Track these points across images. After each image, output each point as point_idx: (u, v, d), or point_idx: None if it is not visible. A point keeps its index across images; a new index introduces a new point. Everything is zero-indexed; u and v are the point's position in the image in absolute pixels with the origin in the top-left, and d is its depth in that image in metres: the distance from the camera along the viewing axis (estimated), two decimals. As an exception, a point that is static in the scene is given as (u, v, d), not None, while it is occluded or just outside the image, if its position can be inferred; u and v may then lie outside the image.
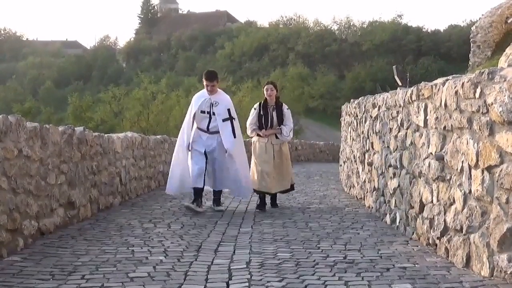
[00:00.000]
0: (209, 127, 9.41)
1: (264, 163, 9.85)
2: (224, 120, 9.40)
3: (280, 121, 9.85)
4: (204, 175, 9.39)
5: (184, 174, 9.57)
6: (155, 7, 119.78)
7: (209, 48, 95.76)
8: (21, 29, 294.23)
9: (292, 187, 10.33)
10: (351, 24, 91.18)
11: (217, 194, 9.79)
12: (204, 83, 9.50)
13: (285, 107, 10.02)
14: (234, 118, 9.53)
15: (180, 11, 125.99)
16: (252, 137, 10.15)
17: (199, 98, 9.58)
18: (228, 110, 9.49)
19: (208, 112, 9.40)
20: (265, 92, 9.98)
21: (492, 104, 4.50)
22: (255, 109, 10.03)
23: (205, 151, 9.39)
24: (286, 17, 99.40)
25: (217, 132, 9.39)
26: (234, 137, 9.47)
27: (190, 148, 9.49)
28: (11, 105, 56.21)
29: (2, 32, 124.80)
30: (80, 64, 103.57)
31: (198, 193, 9.33)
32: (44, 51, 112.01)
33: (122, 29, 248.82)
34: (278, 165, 9.94)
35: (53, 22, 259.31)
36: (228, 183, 9.73)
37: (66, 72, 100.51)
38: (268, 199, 10.02)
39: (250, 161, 10.08)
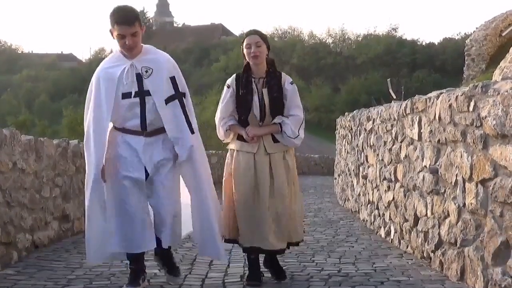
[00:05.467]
0: (146, 123, 5.09)
1: (252, 191, 5.42)
2: (168, 101, 5.14)
3: (279, 108, 5.50)
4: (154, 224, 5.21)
5: (105, 234, 5.18)
6: (150, 20, 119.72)
7: (204, 61, 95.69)
8: (17, 41, 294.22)
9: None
10: (346, 37, 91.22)
11: (166, 256, 5.44)
12: (116, 32, 5.00)
13: (286, 80, 5.59)
14: (184, 94, 5.31)
15: (175, 24, 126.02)
16: (225, 142, 5.73)
17: (112, 69, 5.14)
18: (172, 79, 5.21)
19: (137, 93, 5.06)
20: (245, 51, 5.51)
21: (485, 117, 4.52)
22: (228, 86, 5.59)
23: (146, 175, 5.09)
24: (280, 30, 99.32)
25: (161, 130, 5.11)
26: (192, 132, 5.20)
27: (108, 177, 5.10)
28: (6, 118, 56.12)
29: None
30: (75, 77, 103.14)
31: (138, 261, 5.22)
32: (39, 64, 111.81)
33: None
34: (279, 195, 5.45)
35: (48, 35, 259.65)
36: (194, 229, 5.40)
37: (61, 85, 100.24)
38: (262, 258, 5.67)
39: (222, 188, 5.62)
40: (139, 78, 5.11)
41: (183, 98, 5.30)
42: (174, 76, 5.26)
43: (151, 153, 5.14)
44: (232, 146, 5.65)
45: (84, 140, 5.23)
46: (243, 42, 5.57)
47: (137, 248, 5.12)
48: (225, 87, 5.66)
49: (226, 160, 5.74)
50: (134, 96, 5.09)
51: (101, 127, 5.11)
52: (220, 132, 5.66)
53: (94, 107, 5.14)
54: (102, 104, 5.09)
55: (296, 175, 5.71)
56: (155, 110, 5.10)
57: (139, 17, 5.16)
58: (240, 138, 5.58)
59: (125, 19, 5.00)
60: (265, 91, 5.55)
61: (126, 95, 5.10)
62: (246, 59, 5.58)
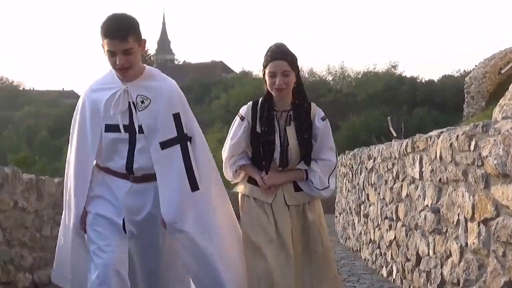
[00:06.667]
0: (133, 166, 4.04)
1: (270, 252, 4.25)
2: (165, 145, 4.04)
3: (307, 152, 4.45)
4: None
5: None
6: (151, 58, 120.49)
7: (204, 98, 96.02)
8: (18, 78, 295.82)
9: None
10: (346, 74, 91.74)
11: None
12: (106, 47, 3.93)
13: (317, 114, 4.48)
14: (191, 138, 4.16)
15: (176, 62, 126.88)
16: (234, 182, 4.70)
17: (100, 93, 4.11)
18: (176, 117, 4.10)
19: (127, 127, 4.04)
20: (267, 79, 4.35)
21: (487, 156, 4.52)
22: (242, 118, 4.47)
23: (123, 226, 4.05)
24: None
25: (152, 177, 4.05)
26: (194, 187, 4.06)
27: (86, 224, 4.10)
28: (6, 155, 56.14)
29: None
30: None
31: None
32: (41, 101, 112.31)
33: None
34: (306, 262, 4.40)
35: (50, 72, 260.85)
36: None
37: (62, 122, 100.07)
38: None
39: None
40: (132, 108, 4.04)
41: (188, 143, 4.11)
42: (178, 113, 4.09)
43: (136, 206, 4.04)
44: (241, 189, 4.56)
45: (65, 179, 4.28)
46: (265, 67, 4.37)
47: None
48: (237, 119, 4.50)
49: (240, 204, 4.59)
50: (124, 129, 4.03)
51: (84, 166, 4.11)
52: (228, 173, 4.58)
53: (77, 139, 4.13)
54: (87, 136, 4.07)
55: (328, 238, 4.56)
56: (146, 152, 4.02)
57: (136, 30, 3.96)
58: (252, 180, 4.51)
59: (116, 31, 3.86)
60: (290, 130, 4.39)
61: (111, 128, 4.03)
62: (267, 86, 4.40)
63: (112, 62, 3.95)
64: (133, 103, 4.03)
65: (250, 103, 4.56)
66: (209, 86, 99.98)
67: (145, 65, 4.15)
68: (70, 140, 4.26)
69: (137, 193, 4.05)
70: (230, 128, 4.58)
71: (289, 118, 4.41)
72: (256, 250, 4.27)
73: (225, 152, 4.55)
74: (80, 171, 4.11)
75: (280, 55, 4.31)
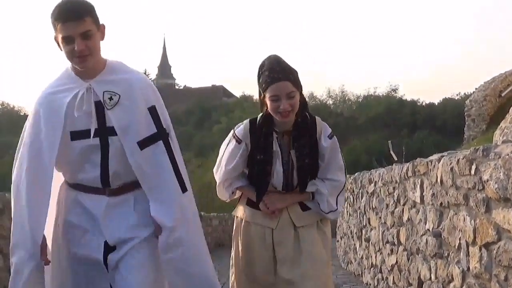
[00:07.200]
0: (109, 176, 3.46)
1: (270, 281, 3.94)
2: (145, 144, 3.45)
3: (312, 175, 4.04)
4: None
5: None
6: (152, 82, 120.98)
7: (205, 123, 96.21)
8: (19, 103, 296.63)
9: None
10: (346, 98, 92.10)
11: None
12: (61, 34, 3.33)
13: (323, 131, 4.06)
14: (168, 133, 3.58)
15: (176, 86, 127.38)
16: (226, 200, 4.24)
17: (58, 95, 3.45)
18: (152, 111, 3.53)
19: (97, 131, 3.42)
20: (269, 104, 3.82)
21: (487, 181, 4.51)
22: (239, 141, 3.97)
23: (105, 261, 3.46)
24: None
25: (132, 185, 3.51)
26: (184, 189, 3.53)
27: (52, 257, 3.55)
28: (6, 180, 56.09)
29: (0, 106, 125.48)
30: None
31: None
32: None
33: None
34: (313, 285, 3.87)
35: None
36: None
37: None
38: None
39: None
40: (100, 108, 3.41)
41: (168, 137, 3.55)
42: (154, 106, 3.53)
43: (117, 221, 3.45)
44: (240, 213, 4.09)
45: (12, 200, 3.55)
46: (265, 90, 3.80)
47: None
48: (233, 140, 4.00)
49: (234, 231, 4.14)
50: (93, 134, 3.40)
51: (39, 182, 3.38)
52: (224, 195, 4.16)
53: (29, 151, 3.43)
54: (43, 147, 3.38)
55: (329, 260, 4.12)
56: (122, 157, 3.40)
57: (92, 11, 3.38)
58: (251, 202, 4.06)
59: (70, 12, 3.29)
60: (293, 153, 3.95)
61: (78, 135, 3.41)
62: (268, 108, 3.85)
63: (69, 50, 3.34)
64: (99, 102, 3.42)
65: (247, 123, 4.01)
66: (209, 111, 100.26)
67: (106, 58, 3.55)
68: (17, 158, 3.58)
69: (115, 207, 3.47)
70: (223, 149, 4.08)
71: (291, 141, 3.96)
72: (251, 269, 3.98)
73: (219, 176, 4.10)
74: (34, 186, 3.39)
75: (281, 75, 3.75)
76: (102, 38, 3.46)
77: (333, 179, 4.09)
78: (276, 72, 3.75)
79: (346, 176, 4.23)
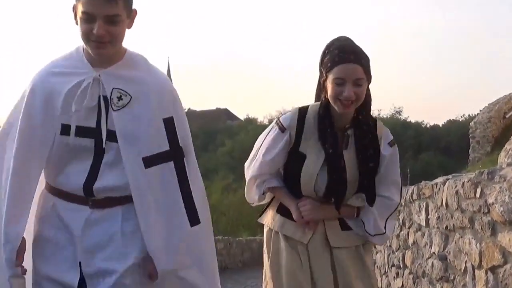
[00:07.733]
0: (94, 185, 2.75)
1: None
2: (152, 162, 2.78)
3: (369, 184, 3.36)
4: None
5: None
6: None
7: (209, 146, 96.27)
8: None
9: None
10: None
11: None
12: (82, 8, 2.66)
13: (383, 136, 3.41)
14: (183, 154, 2.90)
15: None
16: (256, 205, 3.61)
17: (60, 78, 2.80)
18: (168, 123, 2.84)
19: (94, 131, 2.78)
20: (329, 87, 3.17)
21: (493, 204, 4.50)
22: (282, 129, 3.33)
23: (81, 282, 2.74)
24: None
25: (121, 199, 2.79)
26: (195, 221, 2.84)
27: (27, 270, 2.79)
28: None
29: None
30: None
31: None
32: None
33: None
34: None
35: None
36: None
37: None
38: None
39: None
40: (105, 105, 2.81)
41: (182, 158, 2.90)
42: (172, 117, 2.88)
43: (97, 242, 2.78)
44: (268, 221, 3.48)
45: None
46: (329, 70, 3.19)
47: None
48: (276, 128, 3.38)
49: (265, 243, 3.51)
50: (87, 136, 2.80)
51: (25, 177, 2.78)
52: (252, 195, 3.52)
53: (19, 141, 2.78)
54: (34, 136, 2.79)
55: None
56: (118, 170, 2.79)
57: None
58: (283, 209, 3.42)
59: None
60: (348, 154, 3.31)
61: (69, 130, 2.81)
62: (328, 96, 3.24)
63: (86, 30, 2.71)
64: (105, 97, 2.81)
65: (296, 111, 3.40)
66: (214, 134, 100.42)
67: (126, 48, 2.92)
68: (2, 141, 2.90)
69: (99, 222, 2.80)
70: (261, 139, 3.47)
71: (347, 139, 3.32)
72: None
73: (253, 169, 3.46)
74: (19, 180, 2.76)
75: (353, 56, 3.17)
76: (130, 27, 2.83)
77: (386, 197, 3.41)
78: (347, 53, 3.17)
79: (401, 196, 3.52)
